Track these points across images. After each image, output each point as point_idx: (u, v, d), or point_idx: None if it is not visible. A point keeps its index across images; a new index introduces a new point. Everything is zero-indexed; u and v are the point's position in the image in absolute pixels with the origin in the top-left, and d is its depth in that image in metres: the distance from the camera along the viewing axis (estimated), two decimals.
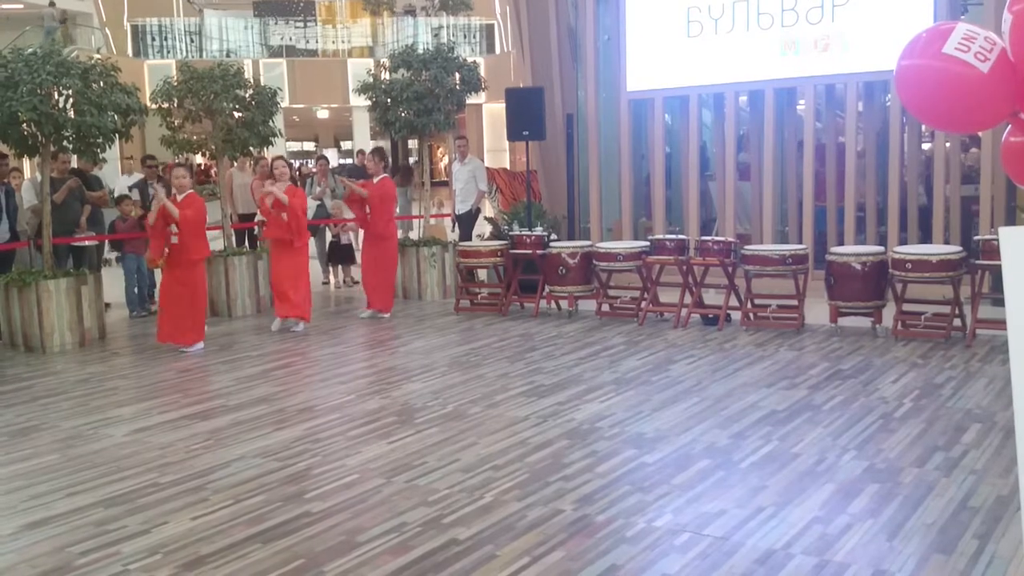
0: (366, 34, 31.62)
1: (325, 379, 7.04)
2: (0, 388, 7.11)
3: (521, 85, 11.83)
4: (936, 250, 7.71)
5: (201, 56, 28.45)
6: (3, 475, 5.05)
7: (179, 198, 8.18)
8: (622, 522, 4.07)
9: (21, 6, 27.29)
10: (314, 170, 14.59)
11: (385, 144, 40.07)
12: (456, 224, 11.85)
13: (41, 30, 24.48)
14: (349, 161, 30.72)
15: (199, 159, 26.64)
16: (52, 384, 7.16)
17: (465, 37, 30.40)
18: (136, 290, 10.11)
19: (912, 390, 6.13)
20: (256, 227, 10.36)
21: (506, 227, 10.69)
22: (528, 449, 5.13)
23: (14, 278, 8.38)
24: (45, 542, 4.09)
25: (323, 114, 34.05)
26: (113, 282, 10.53)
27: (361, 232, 10.11)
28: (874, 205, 9.75)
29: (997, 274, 6.92)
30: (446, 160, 30.78)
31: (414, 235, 12.41)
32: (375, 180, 9.65)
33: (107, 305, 9.66)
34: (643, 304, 8.88)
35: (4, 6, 27.11)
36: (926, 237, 9.31)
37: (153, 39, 29.73)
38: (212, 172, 22.96)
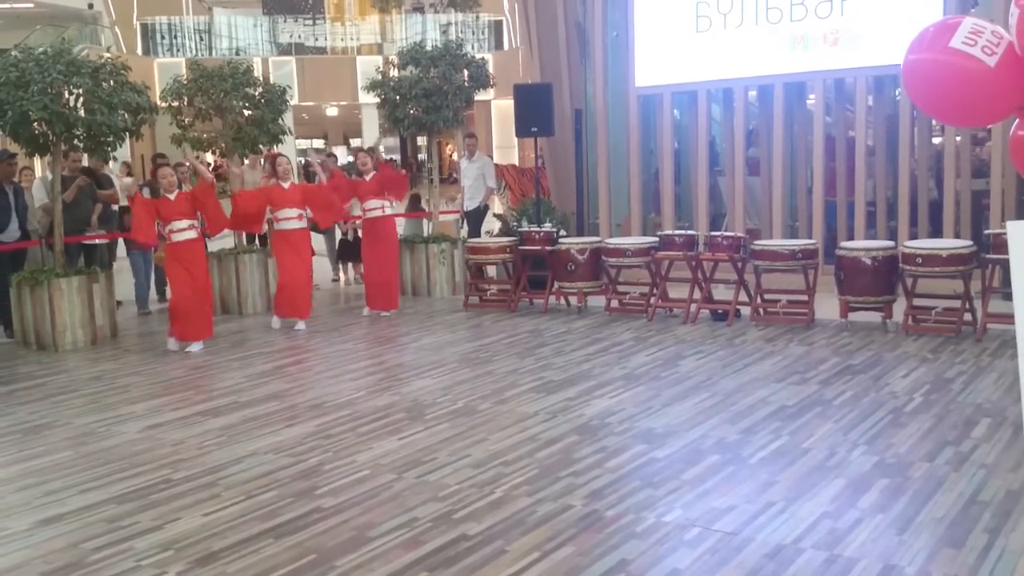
0: (375, 31, 31.67)
1: (336, 375, 7.07)
2: (13, 386, 7.16)
3: (529, 81, 11.83)
4: (946, 244, 7.69)
5: (211, 54, 28.56)
6: (17, 472, 5.09)
7: (171, 198, 8.15)
8: (632, 517, 4.08)
9: (31, 5, 27.42)
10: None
11: (394, 141, 40.13)
12: (465, 221, 11.86)
13: (53, 29, 24.65)
14: None
15: (209, 157, 26.74)
16: (64, 382, 7.21)
17: (474, 33, 30.41)
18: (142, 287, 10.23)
19: (922, 385, 6.12)
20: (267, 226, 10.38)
21: (515, 223, 10.69)
22: (538, 445, 5.15)
23: (26, 276, 8.43)
24: (58, 538, 4.12)
25: (332, 111, 34.12)
26: (125, 280, 10.57)
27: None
28: (884, 199, 9.72)
29: (1007, 268, 6.90)
30: (455, 156, 30.75)
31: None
32: (367, 178, 9.65)
33: (118, 303, 9.71)
34: (652, 300, 8.88)
35: (15, 5, 27.24)
36: (936, 232, 9.28)
37: (163, 37, 29.84)
38: (222, 170, 23.05)
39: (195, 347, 8.15)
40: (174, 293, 8.28)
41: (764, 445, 5.00)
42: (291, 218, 8.93)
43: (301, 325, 8.95)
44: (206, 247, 11.15)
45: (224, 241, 11.39)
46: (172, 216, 8.11)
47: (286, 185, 8.98)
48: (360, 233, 10.47)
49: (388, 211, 9.61)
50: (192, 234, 8.20)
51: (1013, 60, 3.19)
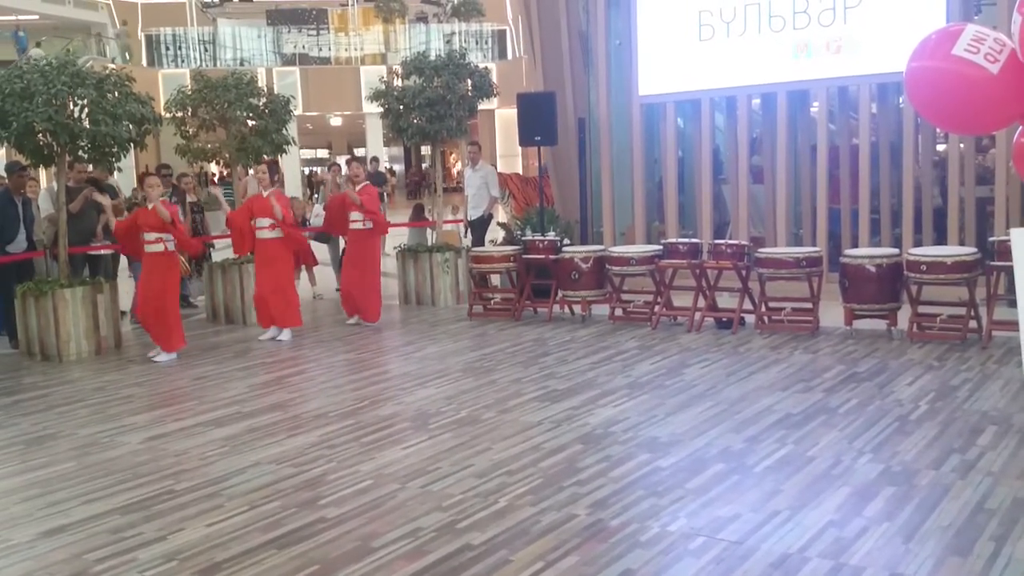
0: (378, 41, 31.73)
1: (339, 385, 7.06)
2: (17, 396, 7.16)
3: (533, 90, 11.84)
4: (951, 252, 7.67)
5: (215, 65, 28.65)
6: (20, 483, 5.09)
7: (149, 207, 8.21)
8: (636, 527, 4.06)
9: (36, 17, 27.56)
10: (327, 177, 14.62)
11: (398, 151, 40.20)
12: (468, 230, 11.87)
13: (60, 40, 24.87)
14: None
15: (213, 167, 26.81)
16: (68, 392, 7.21)
17: (477, 43, 30.46)
18: None
19: (928, 392, 6.10)
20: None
21: (519, 232, 10.69)
22: (542, 454, 5.13)
23: (31, 287, 8.45)
24: (62, 549, 4.12)
25: (336, 121, 34.20)
26: (129, 290, 10.58)
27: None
28: (888, 207, 9.70)
29: (1012, 275, 6.88)
30: (459, 166, 30.79)
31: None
32: (357, 188, 9.66)
33: (123, 313, 9.72)
34: (656, 308, 8.87)
35: (22, 17, 27.38)
36: (941, 239, 9.26)
37: (167, 49, 29.94)
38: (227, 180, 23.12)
39: (160, 357, 8.24)
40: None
41: (769, 453, 4.99)
42: (263, 228, 9.01)
43: (283, 335, 8.98)
44: (195, 258, 11.18)
45: (227, 251, 11.40)
46: (144, 227, 8.23)
47: (265, 194, 9.01)
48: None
49: (367, 224, 9.61)
50: (157, 247, 8.24)
51: (1016, 67, 3.18)
